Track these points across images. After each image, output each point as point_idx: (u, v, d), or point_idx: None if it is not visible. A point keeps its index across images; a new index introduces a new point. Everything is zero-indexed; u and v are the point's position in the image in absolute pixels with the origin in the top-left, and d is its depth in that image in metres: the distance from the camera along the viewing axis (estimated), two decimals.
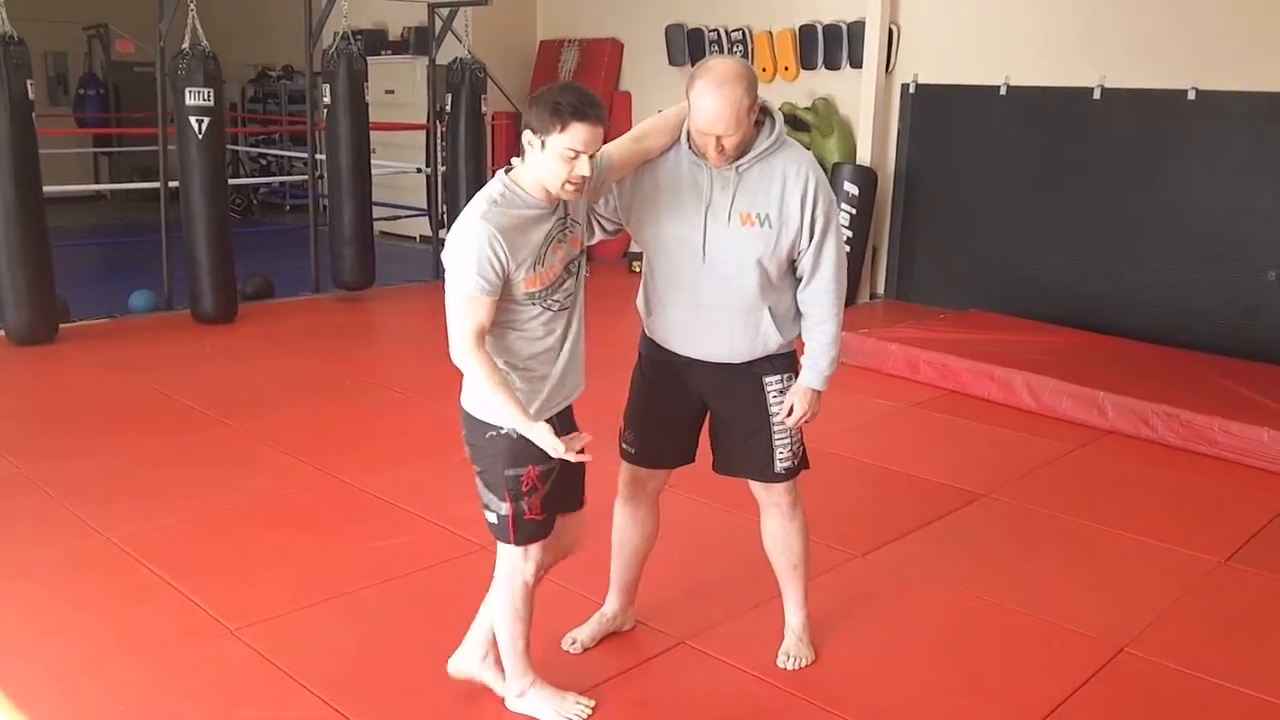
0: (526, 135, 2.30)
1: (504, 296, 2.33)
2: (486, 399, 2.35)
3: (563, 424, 2.49)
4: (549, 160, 2.28)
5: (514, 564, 2.54)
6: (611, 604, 3.04)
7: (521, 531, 2.49)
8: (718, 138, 2.46)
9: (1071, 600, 3.36)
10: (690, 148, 2.57)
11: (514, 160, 2.40)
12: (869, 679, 2.91)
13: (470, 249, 2.27)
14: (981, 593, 3.39)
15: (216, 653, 2.92)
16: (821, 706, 2.75)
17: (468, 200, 2.43)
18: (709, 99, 2.43)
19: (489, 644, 2.69)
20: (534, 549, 2.53)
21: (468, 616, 2.74)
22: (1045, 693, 2.84)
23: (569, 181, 2.29)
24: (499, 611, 2.59)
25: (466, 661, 2.73)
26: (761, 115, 2.57)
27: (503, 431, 2.39)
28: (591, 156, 2.30)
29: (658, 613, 3.14)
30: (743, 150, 2.53)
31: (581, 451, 2.36)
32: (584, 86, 2.36)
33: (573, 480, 2.59)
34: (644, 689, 2.85)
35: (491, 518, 2.51)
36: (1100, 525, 3.97)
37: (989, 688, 2.88)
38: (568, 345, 2.46)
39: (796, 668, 2.90)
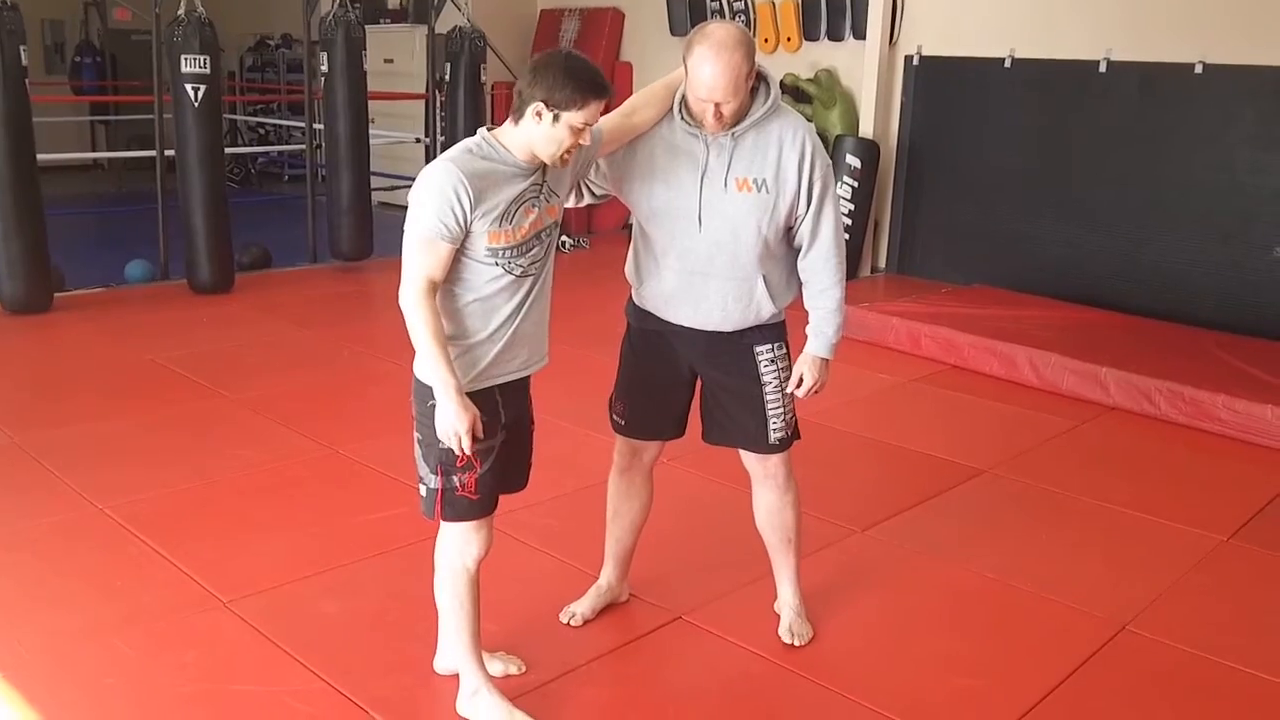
0: (536, 106, 2.21)
1: (465, 251, 2.26)
2: (420, 351, 2.24)
3: (515, 396, 2.41)
4: (559, 131, 2.22)
5: (452, 548, 2.43)
6: (607, 575, 3.02)
7: (450, 508, 2.38)
8: (716, 105, 2.42)
9: (1073, 578, 3.34)
10: (683, 117, 2.53)
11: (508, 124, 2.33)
12: (868, 656, 2.89)
13: (434, 191, 2.20)
14: (982, 569, 3.37)
15: (210, 625, 2.90)
16: (819, 683, 2.73)
17: None
18: (708, 66, 2.39)
19: None
20: (475, 534, 2.41)
21: None
22: (1047, 670, 2.82)
23: (568, 151, 2.26)
24: (441, 601, 2.49)
25: (450, 657, 2.63)
26: (756, 81, 2.52)
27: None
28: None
29: (654, 586, 3.12)
30: (739, 117, 2.49)
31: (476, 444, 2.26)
32: (585, 56, 2.31)
33: (519, 459, 2.52)
34: (642, 664, 2.83)
35: (421, 490, 2.42)
36: (1102, 502, 3.94)
37: (990, 665, 2.86)
38: (524, 314, 2.35)
39: (795, 644, 2.87)
